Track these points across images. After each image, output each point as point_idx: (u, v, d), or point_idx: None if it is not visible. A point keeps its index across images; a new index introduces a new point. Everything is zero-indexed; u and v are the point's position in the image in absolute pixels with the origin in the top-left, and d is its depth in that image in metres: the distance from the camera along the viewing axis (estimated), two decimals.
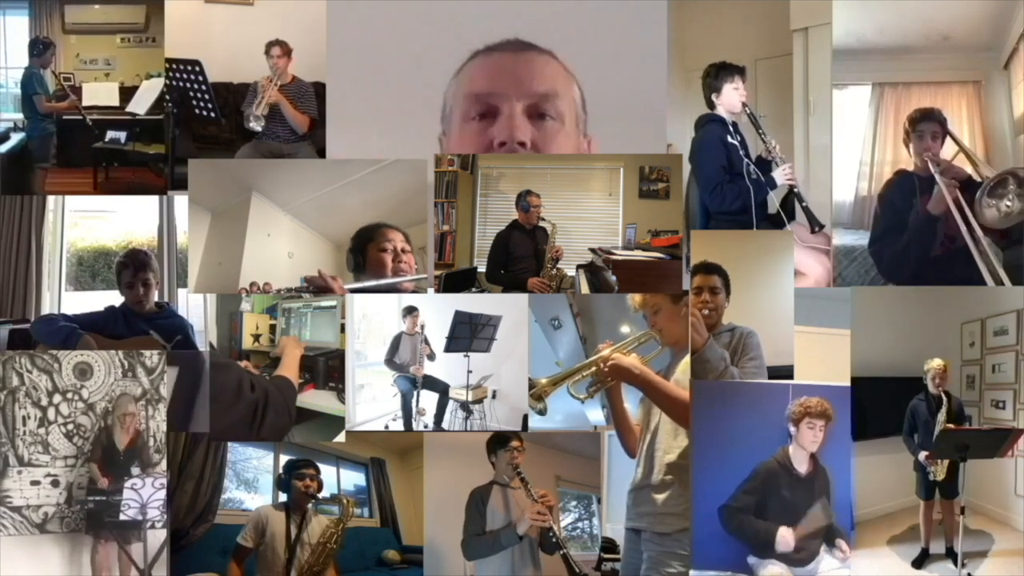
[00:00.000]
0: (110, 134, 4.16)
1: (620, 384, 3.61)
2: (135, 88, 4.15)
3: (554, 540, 3.65)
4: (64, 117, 4.15)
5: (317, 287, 3.78)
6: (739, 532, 3.65)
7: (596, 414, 3.80)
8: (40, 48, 4.10)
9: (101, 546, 3.81)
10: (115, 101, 4.17)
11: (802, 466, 3.68)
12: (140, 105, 4.14)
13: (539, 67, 3.76)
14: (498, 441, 3.82)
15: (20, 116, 4.15)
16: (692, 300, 3.71)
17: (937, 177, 3.83)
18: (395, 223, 3.89)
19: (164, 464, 3.82)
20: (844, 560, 3.68)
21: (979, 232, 3.76)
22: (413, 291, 3.86)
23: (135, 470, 3.80)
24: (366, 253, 3.87)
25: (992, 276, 3.74)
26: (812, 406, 3.66)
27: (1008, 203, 3.77)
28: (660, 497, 3.51)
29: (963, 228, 3.78)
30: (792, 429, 3.68)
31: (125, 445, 3.82)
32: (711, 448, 3.65)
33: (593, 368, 3.58)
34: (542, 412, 3.65)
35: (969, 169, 3.87)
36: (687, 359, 3.63)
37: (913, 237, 3.87)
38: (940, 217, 3.84)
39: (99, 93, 4.18)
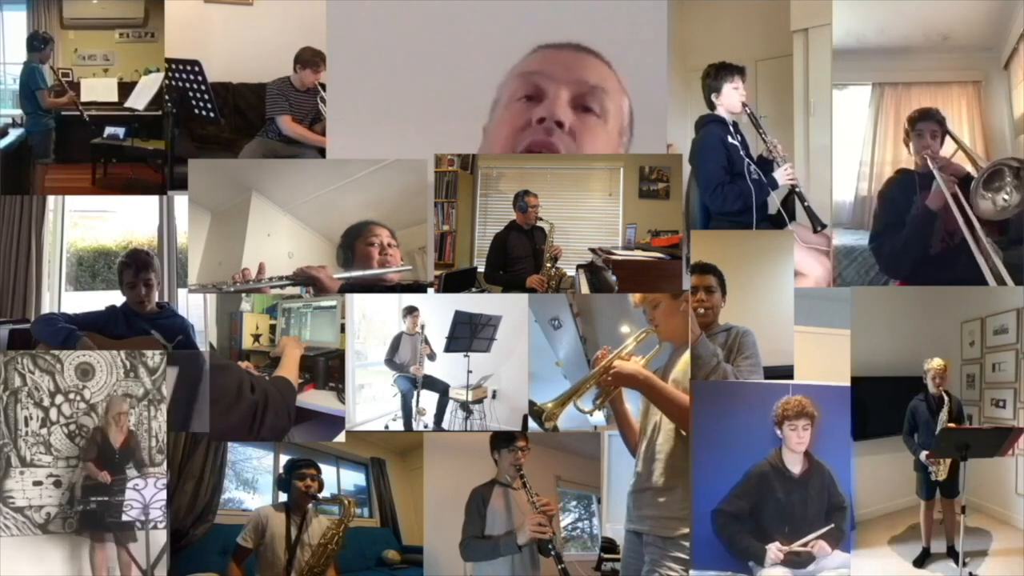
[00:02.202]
0: (109, 130, 4.16)
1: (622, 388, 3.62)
2: (134, 83, 4.15)
3: (552, 551, 3.64)
4: (63, 113, 4.14)
5: (306, 277, 3.79)
6: (729, 543, 3.65)
7: (596, 414, 3.78)
8: (39, 43, 4.09)
9: (98, 547, 3.82)
10: (114, 97, 4.17)
11: (795, 467, 3.67)
12: (139, 101, 4.14)
13: (594, 66, 3.78)
14: (503, 439, 3.81)
15: (18, 112, 4.13)
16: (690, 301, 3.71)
17: (935, 173, 3.83)
18: (393, 223, 3.90)
19: (165, 464, 3.84)
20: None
21: (978, 228, 3.76)
22: (398, 282, 3.87)
23: (131, 470, 3.81)
24: (354, 248, 3.89)
25: (992, 273, 3.74)
26: (789, 408, 3.66)
27: (1006, 196, 3.76)
28: (661, 500, 3.50)
29: (962, 224, 3.78)
30: (778, 432, 3.68)
31: (120, 444, 3.83)
32: (711, 449, 3.65)
33: (596, 380, 3.58)
34: (555, 430, 3.65)
35: (969, 167, 3.87)
36: (686, 357, 3.63)
37: (912, 233, 3.87)
38: (938, 213, 3.84)
39: (98, 89, 4.17)
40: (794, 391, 3.69)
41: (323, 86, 3.92)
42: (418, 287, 3.88)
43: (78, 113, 4.14)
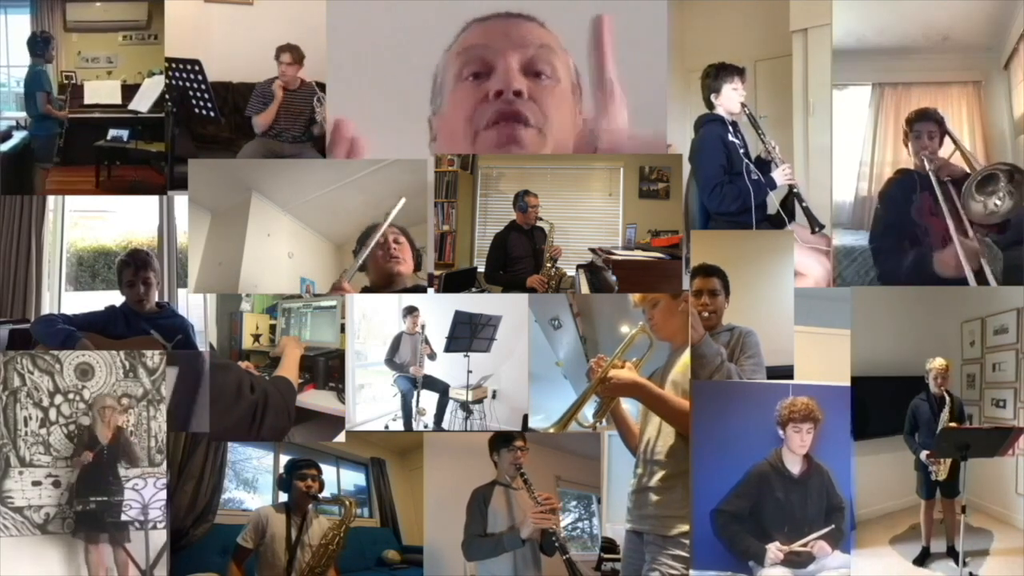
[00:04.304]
0: (112, 132, 4.16)
1: None
2: (137, 86, 4.15)
3: (556, 543, 3.64)
4: (69, 115, 4.15)
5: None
6: (730, 543, 3.64)
7: None
8: (40, 44, 4.08)
9: (93, 548, 3.81)
10: (117, 99, 4.17)
11: (795, 467, 3.66)
12: (142, 103, 4.13)
13: (532, 28, 3.78)
14: (502, 440, 3.81)
15: (22, 115, 4.13)
16: (692, 302, 3.69)
17: (931, 174, 3.83)
18: (395, 222, 3.89)
19: (164, 464, 3.83)
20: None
21: (969, 228, 3.76)
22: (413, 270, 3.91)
23: (122, 469, 3.80)
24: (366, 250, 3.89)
25: (975, 275, 3.74)
26: (796, 409, 3.64)
27: (997, 201, 3.76)
28: (661, 499, 3.49)
29: (951, 225, 3.78)
30: (781, 432, 3.67)
31: (108, 441, 3.82)
32: (711, 449, 3.64)
33: (593, 392, 3.56)
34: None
35: (967, 167, 3.86)
36: (685, 358, 3.62)
37: (912, 233, 3.86)
38: (936, 214, 3.83)
39: (101, 91, 4.17)
40: (794, 391, 3.69)
41: (322, 86, 3.91)
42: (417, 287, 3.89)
43: (81, 116, 4.14)
